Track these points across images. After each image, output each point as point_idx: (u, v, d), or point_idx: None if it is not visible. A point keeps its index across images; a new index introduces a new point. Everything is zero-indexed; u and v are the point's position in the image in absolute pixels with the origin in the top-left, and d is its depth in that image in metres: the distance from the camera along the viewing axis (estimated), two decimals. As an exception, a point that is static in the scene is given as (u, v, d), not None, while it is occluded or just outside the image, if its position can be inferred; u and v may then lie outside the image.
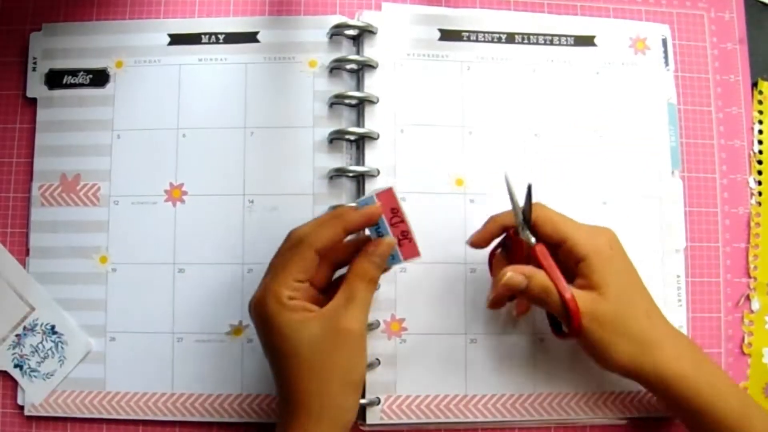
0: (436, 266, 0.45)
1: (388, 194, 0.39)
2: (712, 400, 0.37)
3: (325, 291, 0.39)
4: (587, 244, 0.38)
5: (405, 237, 0.39)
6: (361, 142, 0.47)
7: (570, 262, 0.39)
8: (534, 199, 0.39)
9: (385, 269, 0.39)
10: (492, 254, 0.43)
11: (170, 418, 0.45)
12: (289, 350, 0.36)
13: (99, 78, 0.48)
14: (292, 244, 0.38)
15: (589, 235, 0.39)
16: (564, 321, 0.39)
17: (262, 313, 0.37)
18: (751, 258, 0.48)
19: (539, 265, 0.38)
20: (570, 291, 0.38)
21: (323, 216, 0.39)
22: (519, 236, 0.40)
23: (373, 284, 0.38)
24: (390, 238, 0.38)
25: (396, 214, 0.39)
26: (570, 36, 0.49)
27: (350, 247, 0.39)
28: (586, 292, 0.38)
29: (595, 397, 0.45)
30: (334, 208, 0.45)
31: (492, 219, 0.42)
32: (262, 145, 0.47)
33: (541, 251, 0.39)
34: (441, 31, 0.48)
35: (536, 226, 0.39)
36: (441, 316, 0.45)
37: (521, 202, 0.39)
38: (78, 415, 0.45)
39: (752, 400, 0.39)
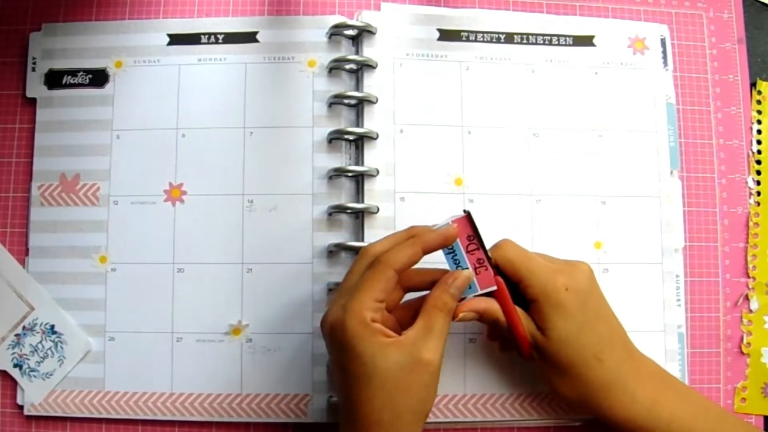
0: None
1: (463, 221, 0.39)
2: None
3: (391, 312, 0.40)
4: (538, 287, 0.38)
5: (481, 265, 0.39)
6: (360, 141, 0.47)
7: (528, 300, 0.40)
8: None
9: (461, 299, 0.39)
10: None
11: (170, 417, 0.45)
12: (364, 375, 0.35)
13: (98, 78, 0.48)
14: (371, 263, 0.37)
15: (544, 279, 0.38)
16: (516, 347, 0.40)
17: (341, 334, 0.36)
18: (749, 258, 0.48)
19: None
20: (522, 325, 0.39)
21: (398, 234, 0.39)
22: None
23: (450, 316, 0.38)
24: (468, 272, 0.38)
25: (472, 241, 0.39)
26: (569, 36, 0.49)
27: (426, 274, 0.40)
28: (537, 330, 0.39)
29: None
30: (334, 208, 0.45)
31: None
32: (261, 144, 0.47)
33: (498, 284, 0.39)
34: (440, 31, 0.48)
35: (498, 265, 0.40)
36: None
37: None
38: (77, 414, 0.45)
39: (726, 420, 0.39)
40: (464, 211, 0.39)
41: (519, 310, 0.39)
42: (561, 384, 0.39)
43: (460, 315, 0.39)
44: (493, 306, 0.39)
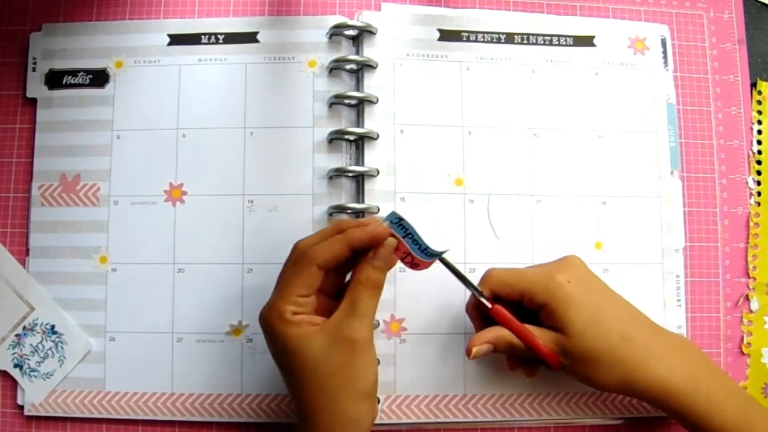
0: (435, 266, 0.45)
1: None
2: (708, 414, 0.37)
3: (337, 296, 0.39)
4: (541, 291, 0.39)
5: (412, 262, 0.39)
6: (360, 142, 0.47)
7: (534, 311, 0.40)
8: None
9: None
10: (469, 305, 0.42)
11: (170, 418, 0.45)
12: (295, 365, 0.36)
13: (99, 78, 0.48)
14: (296, 258, 0.37)
15: (544, 280, 0.39)
16: (542, 362, 0.40)
17: (268, 329, 0.37)
18: (750, 258, 0.48)
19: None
20: (537, 339, 0.39)
21: (328, 229, 0.38)
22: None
23: (377, 289, 0.37)
24: (391, 240, 0.37)
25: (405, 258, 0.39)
26: (569, 36, 0.49)
27: (335, 246, 0.38)
28: (554, 333, 0.39)
29: (594, 397, 0.45)
30: (334, 208, 0.45)
31: (467, 308, 0.43)
32: (261, 145, 0.47)
33: (498, 313, 0.40)
34: (440, 31, 0.48)
35: (495, 292, 0.40)
36: (440, 315, 0.45)
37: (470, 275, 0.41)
38: (78, 414, 0.45)
39: (754, 404, 0.39)
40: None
41: (531, 326, 0.40)
42: (598, 374, 0.38)
43: (474, 351, 0.39)
44: (502, 332, 0.40)
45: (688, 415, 0.38)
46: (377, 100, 0.47)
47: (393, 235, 0.37)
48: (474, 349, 0.39)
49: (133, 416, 0.45)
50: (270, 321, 0.36)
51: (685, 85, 0.50)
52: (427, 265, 0.39)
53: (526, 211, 0.47)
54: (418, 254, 0.38)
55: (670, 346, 0.39)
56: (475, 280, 0.46)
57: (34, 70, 0.48)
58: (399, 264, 0.39)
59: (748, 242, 0.49)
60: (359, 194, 0.46)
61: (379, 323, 0.45)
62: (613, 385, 0.39)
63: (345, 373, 0.35)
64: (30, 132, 0.48)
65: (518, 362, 0.42)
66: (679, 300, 0.47)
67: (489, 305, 0.40)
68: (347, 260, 0.37)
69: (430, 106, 0.47)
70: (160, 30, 0.48)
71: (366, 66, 0.47)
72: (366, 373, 0.36)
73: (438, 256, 0.38)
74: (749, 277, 0.48)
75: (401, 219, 0.38)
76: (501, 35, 0.49)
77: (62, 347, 0.46)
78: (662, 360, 0.38)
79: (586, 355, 0.38)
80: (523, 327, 0.39)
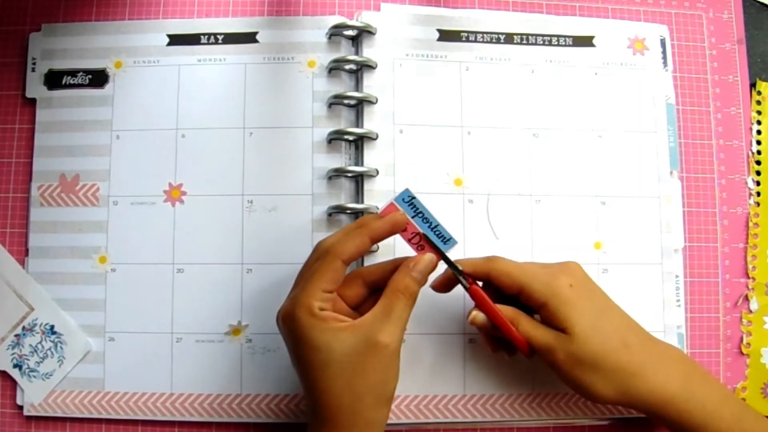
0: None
1: (390, 209, 0.39)
2: (704, 421, 0.37)
3: (356, 309, 0.39)
4: (543, 290, 0.38)
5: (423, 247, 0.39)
6: (360, 142, 0.47)
7: (534, 309, 0.40)
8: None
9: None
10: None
11: (169, 418, 0.45)
12: (320, 362, 0.35)
13: (98, 78, 0.48)
14: (319, 255, 0.37)
15: (547, 280, 0.39)
16: (512, 347, 0.40)
17: (292, 325, 0.36)
18: (749, 258, 0.48)
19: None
20: (509, 323, 0.39)
21: (349, 226, 0.39)
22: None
23: (413, 300, 0.37)
24: (430, 255, 0.39)
25: (412, 234, 0.39)
26: (568, 36, 0.49)
27: (385, 265, 0.40)
28: (556, 333, 0.39)
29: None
30: (333, 208, 0.45)
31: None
32: (261, 145, 0.47)
33: (475, 294, 0.40)
34: (440, 31, 0.48)
35: (493, 280, 0.40)
36: (440, 315, 0.45)
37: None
38: (77, 415, 0.45)
39: (748, 410, 0.39)
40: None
41: (519, 311, 0.40)
42: (597, 382, 0.38)
43: (473, 313, 0.39)
44: (479, 314, 0.40)
45: (684, 423, 0.38)
46: (376, 101, 0.47)
47: (408, 223, 0.39)
48: (473, 312, 0.40)
49: (132, 416, 0.45)
50: (296, 315, 0.36)
51: (684, 86, 0.50)
52: (435, 253, 0.39)
53: (525, 211, 0.47)
54: (428, 233, 0.39)
55: (664, 354, 0.39)
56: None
57: (33, 70, 0.48)
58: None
59: (747, 242, 0.49)
60: (359, 194, 0.46)
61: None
62: (609, 396, 0.38)
63: (372, 376, 0.35)
64: (29, 132, 0.48)
65: (498, 344, 0.42)
66: (678, 300, 0.47)
67: (467, 284, 0.40)
68: (383, 276, 0.39)
69: (429, 106, 0.47)
70: (160, 30, 0.48)
71: (365, 66, 0.47)
72: (392, 379, 0.37)
73: (449, 240, 0.39)
74: (748, 278, 0.48)
75: (413, 198, 0.39)
76: (500, 35, 0.49)
77: (61, 347, 0.46)
78: (658, 368, 0.38)
79: (588, 358, 0.38)
80: (498, 311, 0.39)
